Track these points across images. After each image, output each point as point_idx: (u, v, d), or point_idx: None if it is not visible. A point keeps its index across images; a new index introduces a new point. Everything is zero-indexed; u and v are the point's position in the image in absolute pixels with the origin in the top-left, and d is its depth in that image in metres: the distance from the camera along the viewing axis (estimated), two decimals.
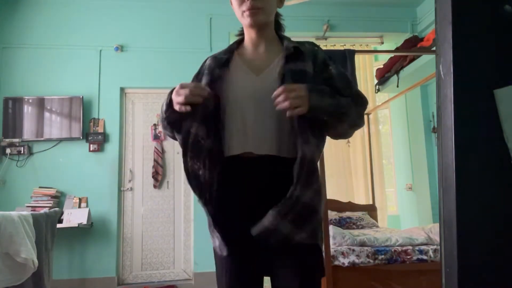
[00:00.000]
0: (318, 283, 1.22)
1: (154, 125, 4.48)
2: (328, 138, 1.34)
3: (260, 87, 1.25)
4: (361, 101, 1.29)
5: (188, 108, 1.16)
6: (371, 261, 2.64)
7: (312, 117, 1.17)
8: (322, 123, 1.22)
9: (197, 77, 1.36)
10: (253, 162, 1.22)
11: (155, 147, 4.41)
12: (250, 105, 1.24)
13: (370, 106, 5.04)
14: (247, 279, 1.23)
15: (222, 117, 1.26)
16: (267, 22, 1.32)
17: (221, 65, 1.30)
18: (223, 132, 1.26)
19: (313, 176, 1.17)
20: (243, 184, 1.23)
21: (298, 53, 1.29)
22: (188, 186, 3.73)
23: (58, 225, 3.15)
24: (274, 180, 1.20)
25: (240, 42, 1.40)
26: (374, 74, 5.01)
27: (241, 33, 1.40)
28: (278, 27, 1.40)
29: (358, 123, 1.28)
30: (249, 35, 1.35)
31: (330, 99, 1.19)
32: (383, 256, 2.66)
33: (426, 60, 3.85)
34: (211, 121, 1.25)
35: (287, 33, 1.43)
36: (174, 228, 4.36)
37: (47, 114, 4.19)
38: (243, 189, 1.23)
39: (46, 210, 2.83)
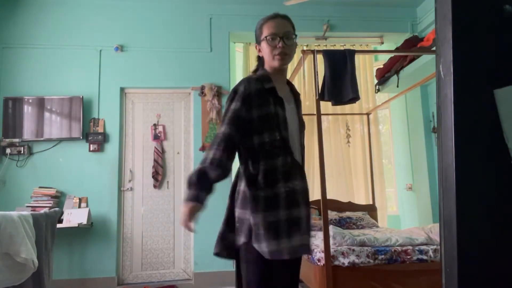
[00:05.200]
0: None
1: (154, 125, 4.48)
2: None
3: (292, 118, 1.65)
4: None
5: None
6: (371, 261, 2.64)
7: None
8: None
9: (247, 100, 1.57)
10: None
11: (155, 147, 4.41)
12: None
13: (370, 106, 5.05)
14: None
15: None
16: (287, 66, 1.68)
17: (273, 93, 1.62)
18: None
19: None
20: None
21: (298, 99, 1.74)
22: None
23: (58, 225, 3.16)
24: None
25: (264, 73, 1.68)
26: (374, 74, 5.01)
27: (256, 69, 1.74)
28: None
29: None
30: (273, 74, 1.67)
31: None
32: (383, 256, 2.66)
33: (426, 60, 3.85)
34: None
35: None
36: (174, 228, 4.36)
37: (47, 114, 4.19)
38: None
39: (46, 210, 2.83)
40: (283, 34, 1.61)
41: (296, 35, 1.67)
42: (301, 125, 1.72)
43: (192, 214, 1.45)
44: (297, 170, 1.59)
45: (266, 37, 1.62)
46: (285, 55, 1.61)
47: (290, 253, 1.46)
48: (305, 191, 1.60)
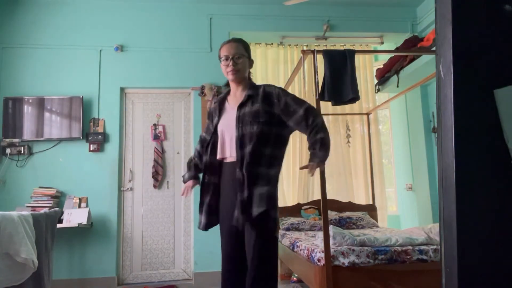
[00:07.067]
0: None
1: (154, 125, 4.48)
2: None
3: (229, 119, 2.04)
4: (314, 112, 1.93)
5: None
6: (371, 261, 2.64)
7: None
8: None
9: (209, 117, 2.24)
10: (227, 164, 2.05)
11: (155, 147, 4.41)
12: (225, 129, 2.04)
13: (370, 106, 5.05)
14: None
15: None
16: (243, 77, 2.06)
17: (221, 104, 2.15)
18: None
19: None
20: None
21: (249, 99, 1.99)
22: None
23: (58, 225, 3.15)
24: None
25: (229, 89, 2.16)
26: (374, 74, 5.01)
27: (228, 84, 2.15)
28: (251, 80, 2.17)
29: (323, 125, 1.92)
30: (232, 85, 2.11)
31: (321, 140, 1.85)
32: (383, 256, 2.66)
33: (426, 60, 3.85)
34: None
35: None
36: (174, 228, 4.36)
37: (47, 114, 4.19)
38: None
39: (46, 210, 2.83)
40: (233, 55, 2.00)
41: (247, 54, 2.05)
42: (252, 118, 1.96)
43: None
44: (216, 167, 2.06)
45: (220, 58, 2.06)
46: (237, 71, 2.00)
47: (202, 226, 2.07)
48: (216, 186, 2.06)
